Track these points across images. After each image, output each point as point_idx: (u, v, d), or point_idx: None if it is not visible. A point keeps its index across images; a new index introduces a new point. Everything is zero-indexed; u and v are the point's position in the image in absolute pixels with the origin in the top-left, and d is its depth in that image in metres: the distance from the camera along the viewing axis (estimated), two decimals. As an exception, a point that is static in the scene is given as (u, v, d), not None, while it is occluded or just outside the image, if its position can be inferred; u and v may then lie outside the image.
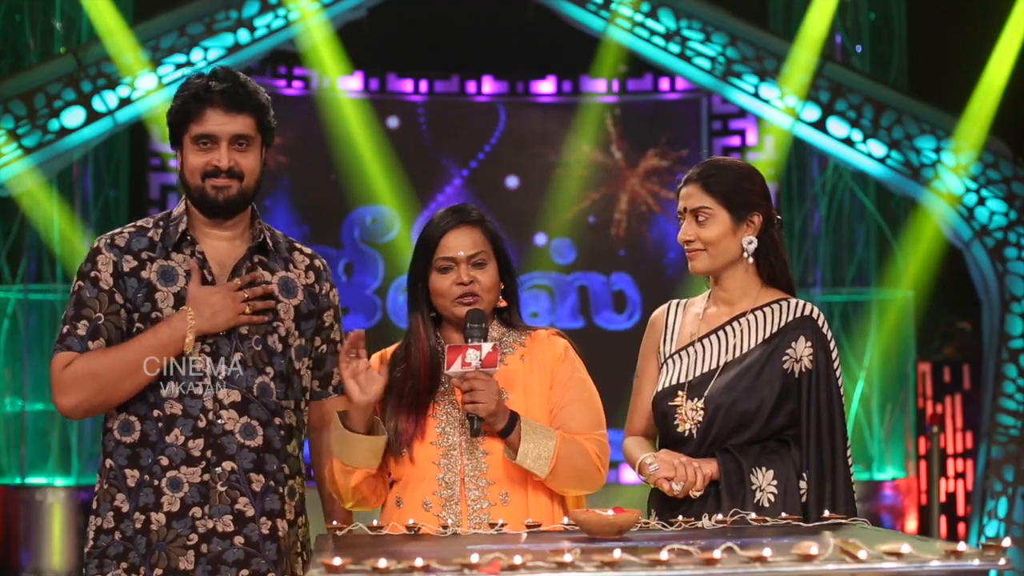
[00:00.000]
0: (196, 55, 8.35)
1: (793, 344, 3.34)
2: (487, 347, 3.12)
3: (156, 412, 3.25)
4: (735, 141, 10.07)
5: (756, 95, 8.79)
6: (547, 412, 3.27)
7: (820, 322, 3.38)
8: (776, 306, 3.40)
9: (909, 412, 9.15)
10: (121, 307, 3.29)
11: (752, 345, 3.37)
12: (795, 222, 9.35)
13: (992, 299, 8.69)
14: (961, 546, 2.30)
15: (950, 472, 9.30)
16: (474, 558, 2.25)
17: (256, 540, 3.25)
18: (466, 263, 3.23)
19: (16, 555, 8.33)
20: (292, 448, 3.37)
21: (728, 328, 3.41)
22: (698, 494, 3.22)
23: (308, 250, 3.52)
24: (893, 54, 9.12)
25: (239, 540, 3.24)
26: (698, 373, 3.38)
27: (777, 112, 8.82)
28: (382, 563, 2.22)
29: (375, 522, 2.97)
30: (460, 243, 3.24)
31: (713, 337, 3.41)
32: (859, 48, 9.14)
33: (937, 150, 8.55)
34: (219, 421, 3.25)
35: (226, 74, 3.33)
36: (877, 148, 8.63)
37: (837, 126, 8.66)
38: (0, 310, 8.61)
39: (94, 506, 3.31)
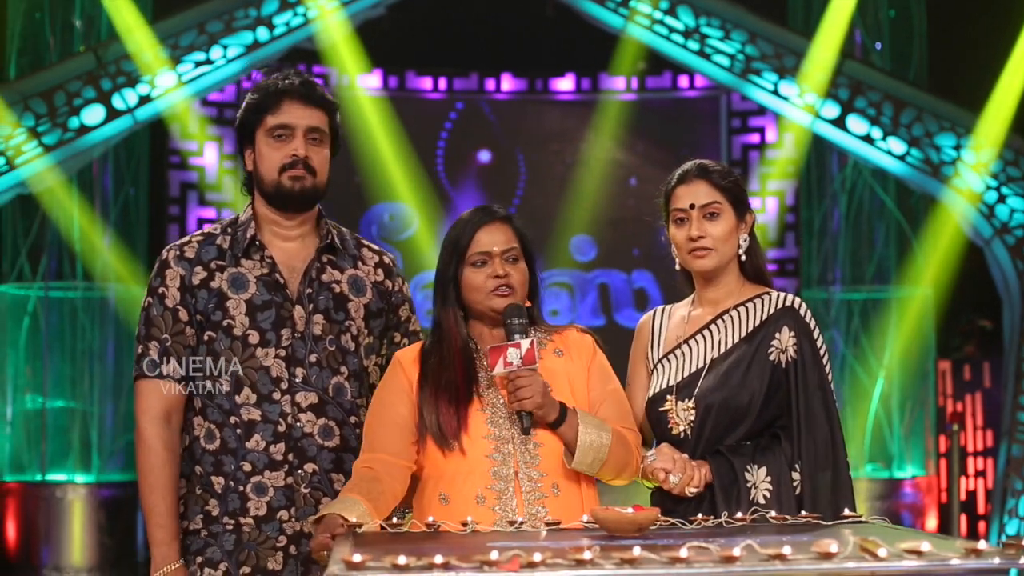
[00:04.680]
0: (215, 53, 8.37)
1: (777, 335, 3.31)
2: (525, 344, 3.14)
3: (233, 419, 3.29)
4: (754, 138, 10.05)
5: (775, 92, 8.77)
6: (587, 405, 3.30)
7: (802, 311, 3.35)
8: (758, 300, 3.39)
9: (929, 410, 9.12)
10: (186, 324, 3.31)
11: (736, 340, 3.35)
12: (814, 219, 9.32)
13: (1012, 297, 8.65)
14: (981, 544, 2.30)
15: (970, 470, 9.28)
16: (494, 555, 2.24)
17: None
18: (500, 257, 3.25)
19: (37, 552, 8.36)
20: None
21: (712, 327, 3.39)
22: (695, 490, 3.19)
23: (375, 247, 3.56)
24: (913, 51, 9.09)
25: None
26: (686, 374, 3.36)
27: (796, 109, 8.80)
28: (402, 560, 2.22)
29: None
30: (494, 239, 3.26)
31: (699, 337, 3.39)
32: (879, 45, 9.11)
33: (957, 147, 8.52)
34: (298, 424, 3.29)
35: (298, 72, 3.38)
36: (897, 145, 8.60)
37: (857, 123, 8.64)
38: (21, 308, 8.64)
39: (182, 509, 3.34)
